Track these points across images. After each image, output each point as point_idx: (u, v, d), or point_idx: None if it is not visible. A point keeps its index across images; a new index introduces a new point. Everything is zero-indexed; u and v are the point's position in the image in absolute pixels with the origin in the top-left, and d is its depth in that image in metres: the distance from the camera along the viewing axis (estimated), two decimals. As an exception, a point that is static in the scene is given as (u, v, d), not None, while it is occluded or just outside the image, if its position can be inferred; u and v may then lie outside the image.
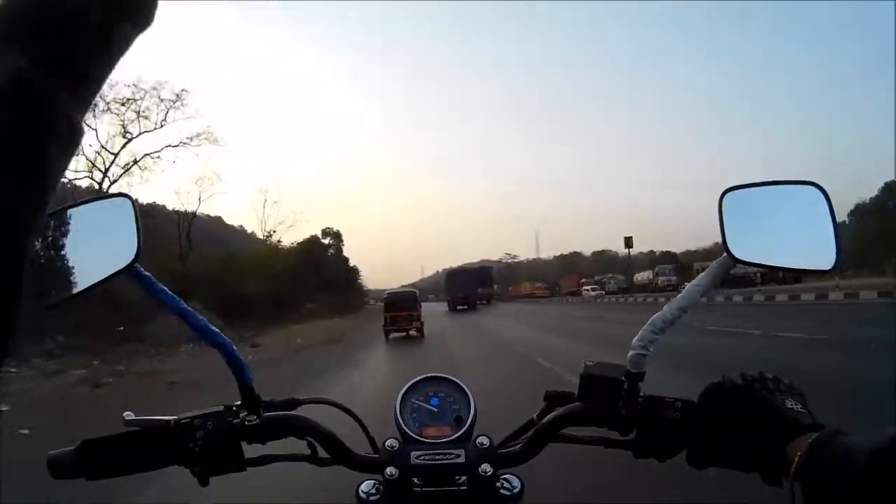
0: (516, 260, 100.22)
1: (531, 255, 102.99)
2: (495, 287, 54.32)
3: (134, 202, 0.63)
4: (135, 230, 0.61)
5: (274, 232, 37.89)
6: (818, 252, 0.60)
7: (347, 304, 42.46)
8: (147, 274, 0.61)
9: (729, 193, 0.61)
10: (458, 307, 35.24)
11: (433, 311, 29.40)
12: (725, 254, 0.59)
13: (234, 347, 0.62)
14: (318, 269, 41.50)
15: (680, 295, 0.60)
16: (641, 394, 0.60)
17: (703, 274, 0.60)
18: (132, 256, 0.60)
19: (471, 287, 38.69)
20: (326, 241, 51.65)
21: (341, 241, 53.02)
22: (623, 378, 0.59)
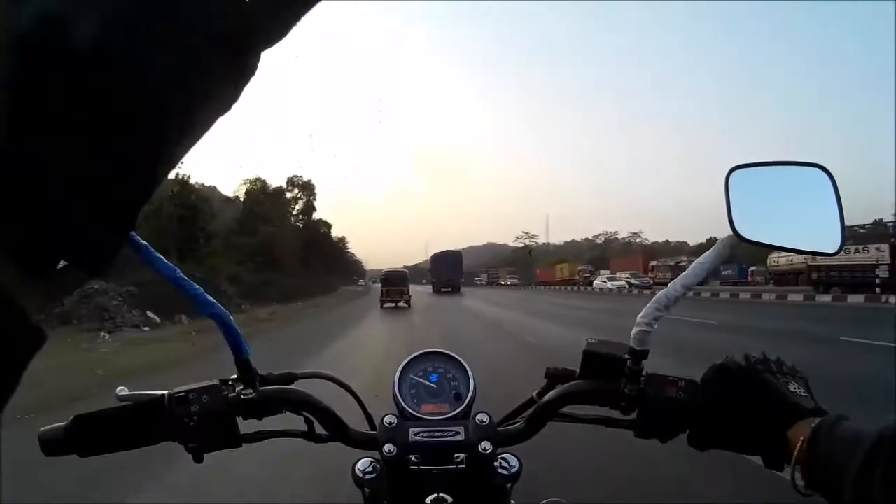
0: (535, 241, 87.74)
1: (540, 240, 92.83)
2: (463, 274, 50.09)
3: None
4: None
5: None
6: (824, 235, 0.60)
7: (299, 290, 27.31)
8: (144, 243, 0.60)
9: (735, 171, 0.61)
10: (442, 289, 37.11)
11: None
12: (731, 232, 0.58)
13: (232, 318, 0.61)
14: (246, 231, 28.20)
15: (684, 273, 0.59)
16: (644, 372, 0.59)
17: (708, 252, 0.60)
18: None
19: (455, 271, 40.00)
20: (293, 193, 37.71)
21: (313, 194, 38.38)
22: (626, 356, 0.59)
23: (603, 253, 67.99)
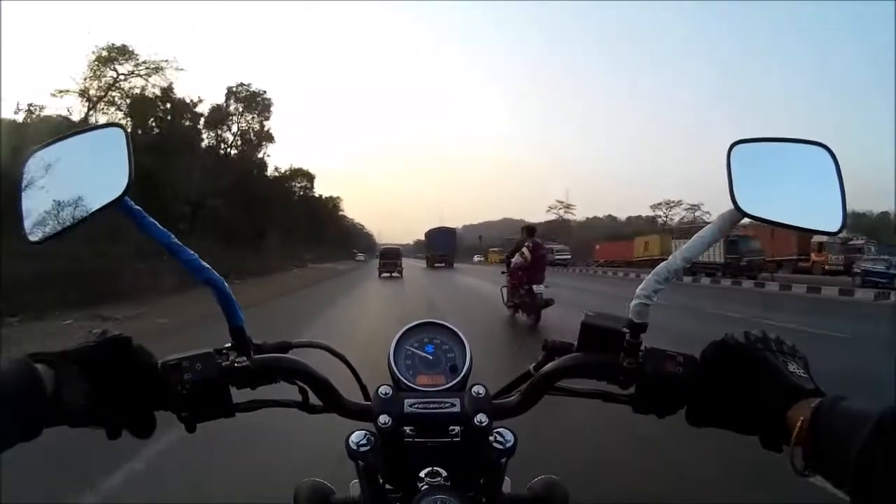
0: (571, 212, 73.84)
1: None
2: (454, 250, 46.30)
3: (127, 132, 0.61)
4: (126, 161, 0.59)
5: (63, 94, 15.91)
6: (825, 214, 0.60)
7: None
8: (137, 207, 0.59)
9: (738, 146, 0.60)
10: (436, 264, 40.02)
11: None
12: (732, 206, 0.58)
13: (227, 285, 0.60)
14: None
15: (685, 245, 0.59)
16: (643, 346, 0.58)
17: (709, 225, 0.60)
18: (122, 189, 0.58)
19: (448, 246, 42.35)
20: (233, 108, 23.68)
21: (266, 111, 24.48)
22: (625, 329, 0.58)
23: (664, 228, 52.49)
